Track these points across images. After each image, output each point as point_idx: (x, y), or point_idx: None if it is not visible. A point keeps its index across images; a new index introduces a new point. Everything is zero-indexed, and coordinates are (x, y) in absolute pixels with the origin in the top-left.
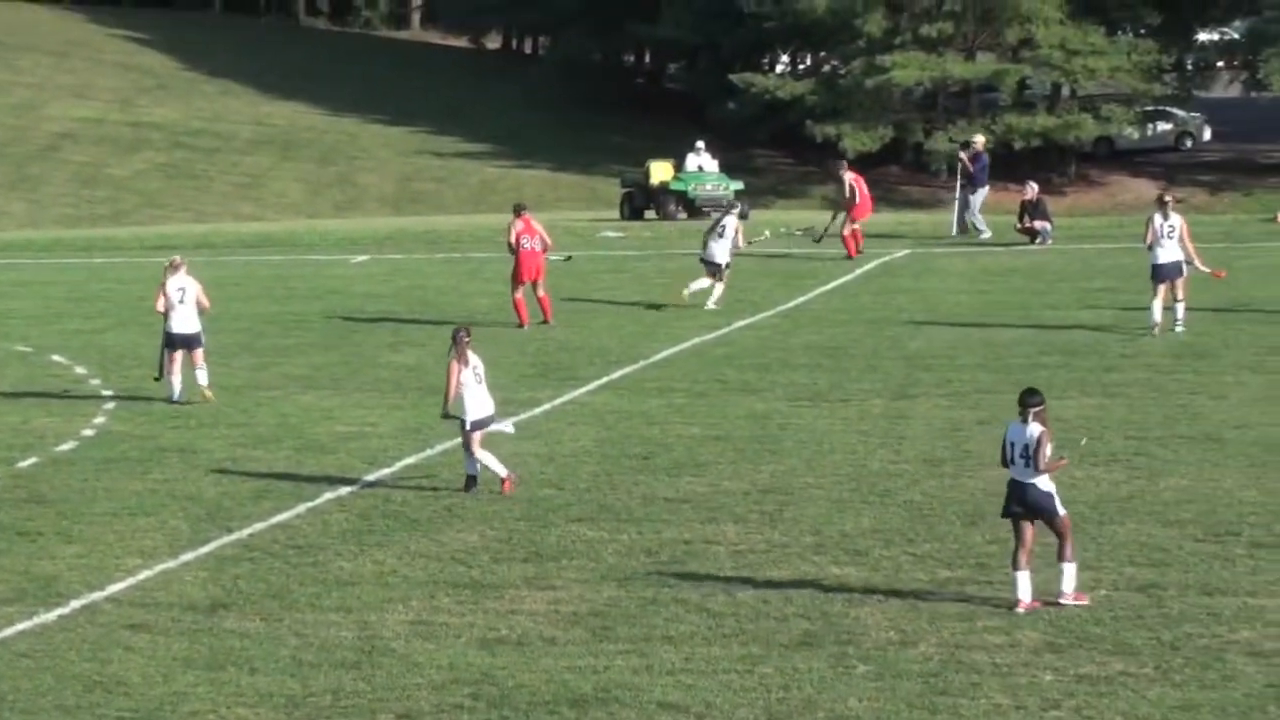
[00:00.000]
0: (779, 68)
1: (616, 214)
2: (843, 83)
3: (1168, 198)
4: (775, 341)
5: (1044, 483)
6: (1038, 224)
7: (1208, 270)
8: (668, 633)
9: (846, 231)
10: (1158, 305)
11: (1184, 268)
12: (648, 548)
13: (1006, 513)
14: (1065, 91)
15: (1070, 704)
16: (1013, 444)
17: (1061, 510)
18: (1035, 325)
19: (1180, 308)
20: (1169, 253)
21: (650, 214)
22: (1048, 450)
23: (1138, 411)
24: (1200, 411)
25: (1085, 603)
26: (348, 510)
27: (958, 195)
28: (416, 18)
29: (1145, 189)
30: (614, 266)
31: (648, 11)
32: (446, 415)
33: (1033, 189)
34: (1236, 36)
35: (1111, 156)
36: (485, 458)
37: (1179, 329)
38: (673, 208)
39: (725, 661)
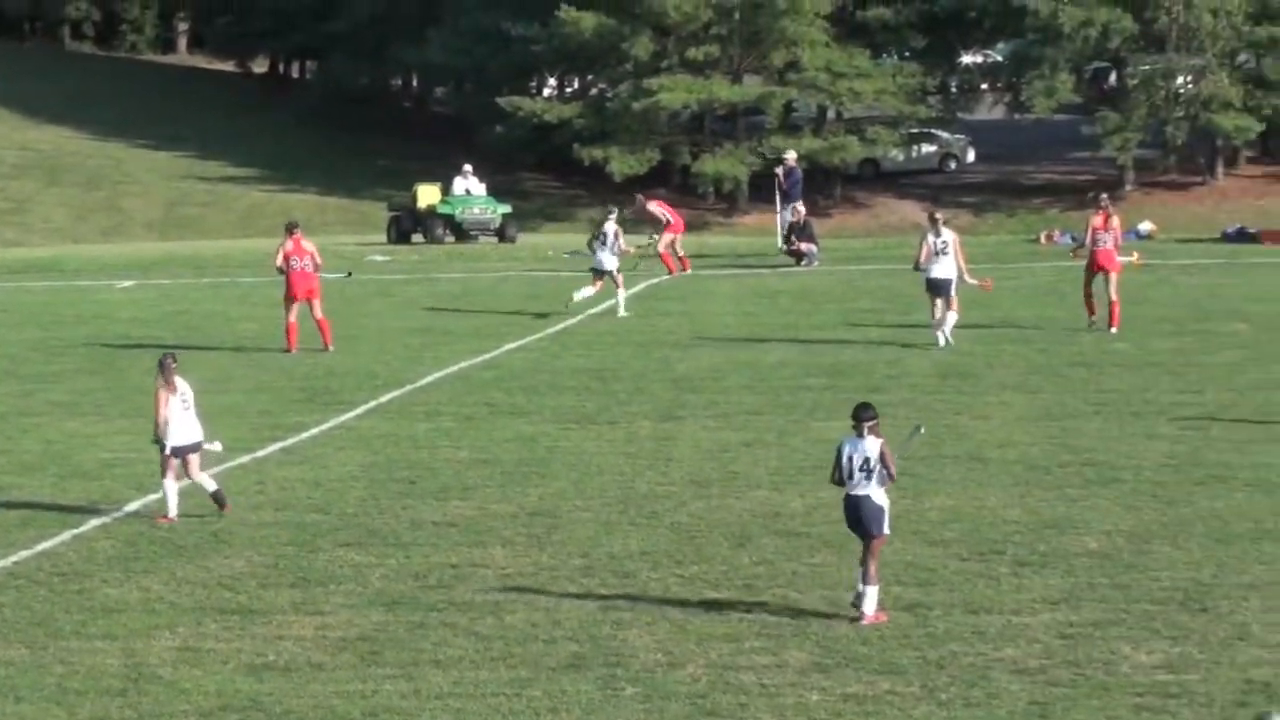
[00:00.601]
0: (546, 91)
1: (384, 238)
2: (610, 106)
3: (939, 215)
4: (543, 364)
5: (879, 497)
6: (804, 246)
7: (975, 283)
8: (436, 657)
9: (664, 249)
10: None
11: (955, 284)
12: (415, 572)
13: (853, 526)
14: (831, 114)
15: None
16: (850, 458)
17: (887, 530)
18: (801, 346)
19: (951, 317)
20: (943, 268)
21: (418, 238)
22: (891, 459)
23: (902, 432)
24: (964, 431)
25: (885, 620)
26: (114, 537)
27: (778, 212)
28: (183, 42)
29: (910, 210)
30: (381, 290)
31: (414, 36)
32: (156, 441)
33: (799, 211)
34: (999, 59)
35: (877, 178)
36: (170, 487)
37: (949, 339)
38: (440, 231)
39: (494, 685)
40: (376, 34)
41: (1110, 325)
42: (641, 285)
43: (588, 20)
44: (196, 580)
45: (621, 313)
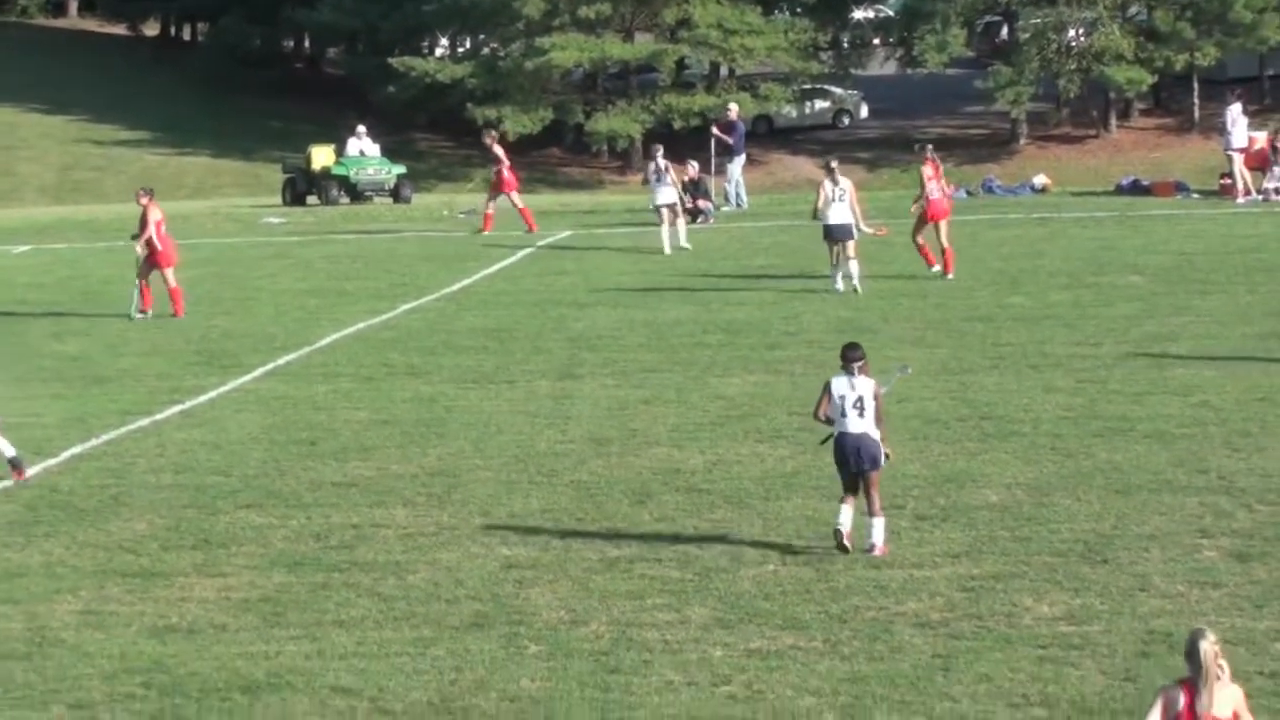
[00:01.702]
0: (439, 51)
1: (279, 200)
2: (502, 65)
3: (834, 164)
4: (440, 325)
5: (874, 432)
6: (700, 203)
7: (870, 230)
8: (339, 617)
9: (491, 209)
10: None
11: (854, 230)
12: (317, 532)
13: (846, 463)
14: (723, 71)
15: (741, 679)
16: (843, 397)
17: (884, 460)
18: (698, 303)
19: (854, 266)
20: (840, 214)
21: (313, 199)
22: (881, 401)
23: (800, 388)
24: None
25: (886, 554)
26: (14, 501)
27: (725, 169)
28: (74, 6)
29: (805, 167)
30: (277, 253)
31: None
32: None
33: (694, 168)
34: (891, 14)
35: (770, 135)
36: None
37: (858, 286)
38: (335, 193)
39: (397, 645)
40: None
41: (946, 272)
42: (537, 245)
43: None
44: (97, 544)
45: (682, 243)
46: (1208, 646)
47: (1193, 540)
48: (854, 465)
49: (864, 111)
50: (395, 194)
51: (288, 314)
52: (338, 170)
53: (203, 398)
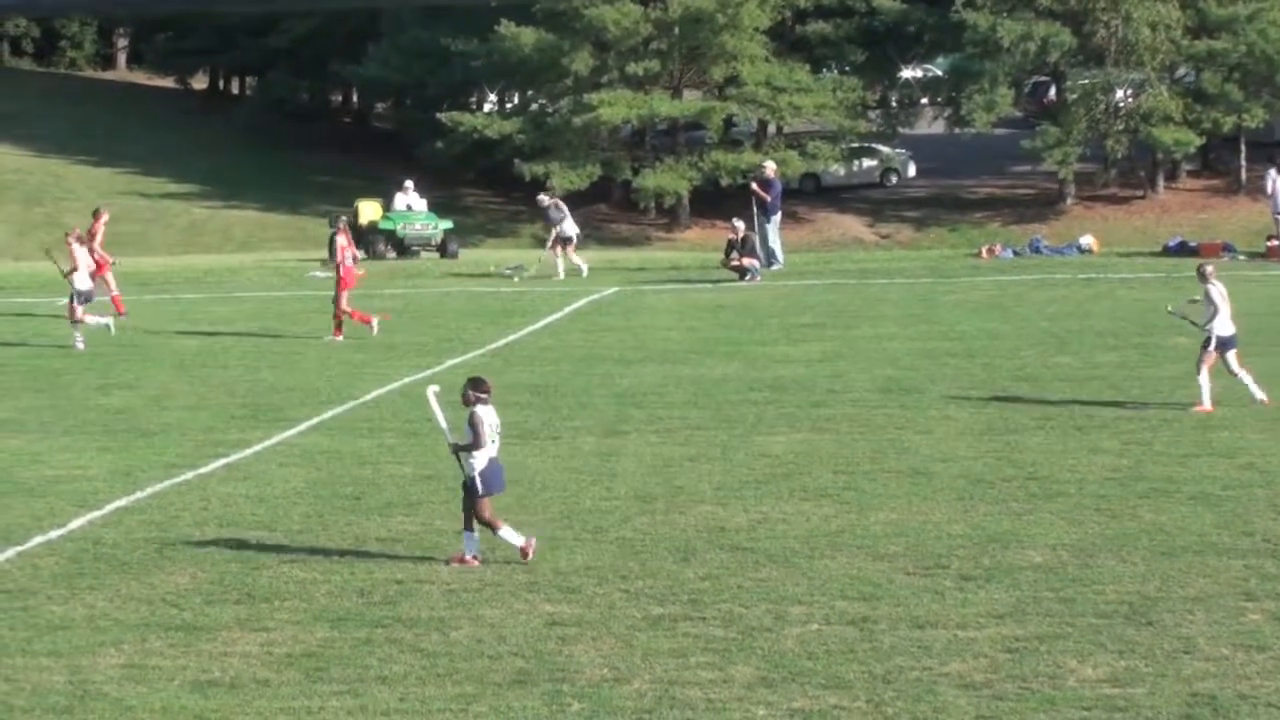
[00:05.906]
0: (487, 106)
1: (325, 254)
2: (550, 121)
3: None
4: None
5: None
6: (746, 261)
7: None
8: (382, 673)
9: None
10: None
11: None
12: (360, 588)
13: (498, 490)
14: (771, 129)
15: None
16: (493, 425)
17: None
18: (744, 360)
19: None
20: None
21: (359, 253)
22: None
23: (846, 446)
24: (908, 446)
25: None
26: (58, 554)
27: (758, 227)
28: (123, 58)
29: (852, 225)
30: (322, 307)
31: (354, 51)
32: None
33: (740, 226)
34: (939, 73)
35: (818, 193)
36: None
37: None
38: (382, 247)
39: (439, 701)
40: (316, 50)
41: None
42: (583, 301)
43: (527, 35)
44: (141, 597)
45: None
46: None
47: (1238, 603)
48: (502, 487)
49: (911, 170)
50: (442, 249)
51: (333, 368)
52: (385, 225)
53: (247, 451)
